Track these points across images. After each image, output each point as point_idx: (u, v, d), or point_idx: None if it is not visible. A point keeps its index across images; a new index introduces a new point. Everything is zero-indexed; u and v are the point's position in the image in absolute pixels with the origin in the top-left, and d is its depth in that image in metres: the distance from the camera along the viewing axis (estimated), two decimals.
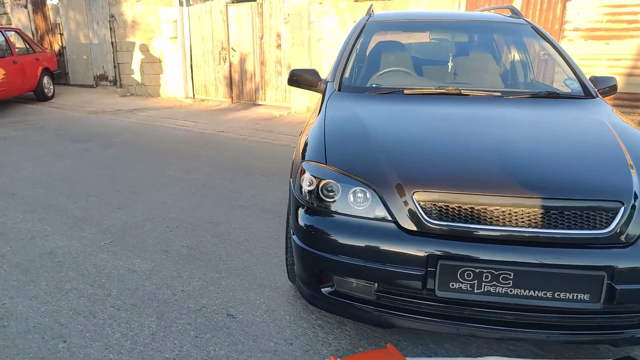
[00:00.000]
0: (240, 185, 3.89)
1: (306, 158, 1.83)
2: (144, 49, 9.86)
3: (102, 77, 10.40)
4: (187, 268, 2.43)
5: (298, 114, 7.66)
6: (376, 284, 1.56)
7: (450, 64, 2.80)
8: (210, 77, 9.45)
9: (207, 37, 9.23)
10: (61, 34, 10.55)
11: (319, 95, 2.66)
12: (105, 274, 2.36)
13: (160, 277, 2.34)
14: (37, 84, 8.62)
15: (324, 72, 7.13)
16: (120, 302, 2.11)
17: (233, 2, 8.69)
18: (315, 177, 1.70)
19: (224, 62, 9.07)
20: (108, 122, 7.00)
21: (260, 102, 8.75)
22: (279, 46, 8.17)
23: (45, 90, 8.91)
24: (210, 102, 9.40)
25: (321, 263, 1.63)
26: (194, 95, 9.83)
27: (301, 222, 1.70)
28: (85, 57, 10.43)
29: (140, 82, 10.10)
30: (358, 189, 1.61)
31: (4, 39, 7.87)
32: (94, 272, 2.38)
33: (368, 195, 1.59)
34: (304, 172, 1.76)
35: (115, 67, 10.19)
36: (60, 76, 9.62)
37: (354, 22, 6.47)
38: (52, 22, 10.62)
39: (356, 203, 1.60)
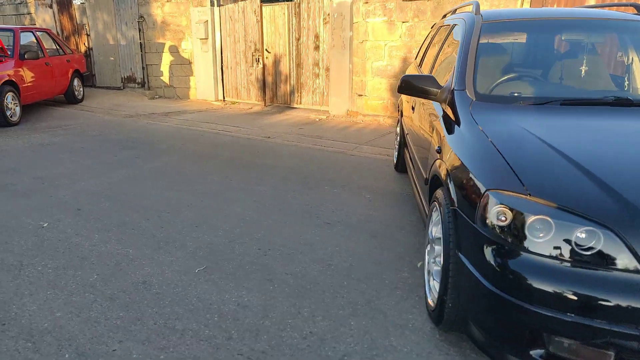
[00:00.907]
0: (314, 199, 3.63)
1: (492, 185, 1.54)
2: (174, 50, 9.63)
3: (130, 79, 10.17)
4: (303, 303, 2.17)
5: (337, 118, 7.39)
6: (613, 353, 1.28)
7: (583, 68, 2.51)
8: (242, 80, 9.20)
9: (240, 38, 8.98)
10: (88, 35, 10.33)
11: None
12: (216, 311, 2.11)
13: (278, 314, 2.08)
14: (67, 87, 8.41)
15: (370, 75, 6.86)
16: (246, 348, 1.86)
17: (267, 2, 8.44)
18: (512, 210, 1.43)
19: (257, 63, 8.81)
20: (147, 127, 6.77)
21: (295, 106, 8.49)
22: (316, 48, 7.90)
23: (76, 93, 8.69)
24: (241, 105, 9.15)
25: (535, 319, 1.35)
26: (224, 97, 9.59)
27: (496, 264, 1.43)
28: (112, 58, 10.21)
29: (169, 84, 9.87)
30: (585, 229, 1.33)
31: (35, 40, 7.66)
32: (201, 307, 2.13)
33: (602, 237, 1.31)
34: (493, 204, 1.48)
35: (143, 68, 9.96)
36: (87, 78, 9.40)
37: (403, 22, 6.20)
38: (78, 23, 10.40)
39: (581, 247, 1.33)
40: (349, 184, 4.01)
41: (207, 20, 9.16)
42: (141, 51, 9.87)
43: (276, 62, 8.59)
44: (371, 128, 6.55)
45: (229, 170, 4.46)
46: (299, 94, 8.41)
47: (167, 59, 9.76)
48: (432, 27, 4.57)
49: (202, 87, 9.61)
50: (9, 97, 6.43)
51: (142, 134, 6.23)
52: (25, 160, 4.73)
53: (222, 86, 9.55)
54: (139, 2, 9.63)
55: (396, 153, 4.30)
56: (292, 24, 8.16)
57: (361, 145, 5.48)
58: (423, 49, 4.25)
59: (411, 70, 4.39)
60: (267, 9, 8.47)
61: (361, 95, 7.09)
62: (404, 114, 4.00)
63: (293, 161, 4.85)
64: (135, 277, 2.38)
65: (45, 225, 3.06)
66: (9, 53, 6.78)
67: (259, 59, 8.78)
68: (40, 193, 3.71)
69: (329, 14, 7.57)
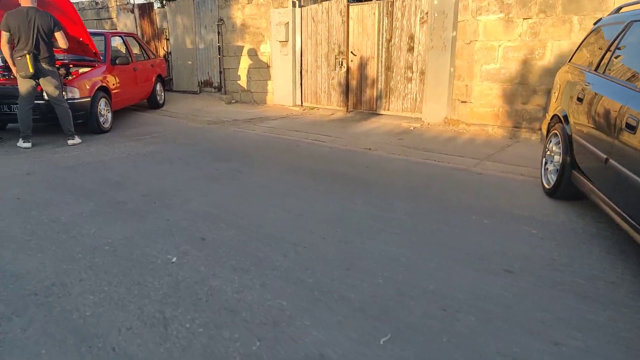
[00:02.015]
0: (465, 232, 3.06)
1: None
2: (252, 53, 9.34)
3: (207, 83, 10.01)
4: None
5: (434, 127, 6.76)
6: None
7: None
8: (322, 84, 8.76)
9: (322, 40, 8.53)
10: (167, 39, 10.28)
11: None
12: None
13: None
14: (151, 92, 8.30)
15: (478, 79, 6.18)
16: None
17: (355, 2, 7.93)
18: None
19: (340, 67, 8.33)
20: (236, 136, 6.45)
21: (381, 112, 7.93)
22: (410, 49, 7.31)
23: (158, 98, 8.59)
24: (321, 110, 8.71)
25: None
26: (301, 103, 9.19)
27: None
28: (190, 62, 10.09)
29: (246, 88, 9.61)
30: None
31: (124, 45, 7.56)
32: None
33: None
34: None
35: (220, 72, 9.76)
36: (166, 82, 9.32)
37: (525, 19, 5.50)
38: (158, 27, 10.38)
39: None
40: (497, 213, 3.41)
41: (287, 22, 8.79)
42: (219, 55, 9.67)
43: (362, 66, 8.07)
44: (481, 139, 5.88)
45: (343, 190, 3.97)
46: (387, 100, 7.85)
47: (245, 62, 9.50)
48: (595, 25, 3.88)
49: (280, 92, 9.27)
50: (102, 103, 6.30)
51: (233, 144, 5.89)
52: (128, 173, 4.46)
53: (301, 91, 9.16)
54: (219, 5, 9.43)
55: (552, 176, 3.62)
56: (382, 24, 7.60)
57: (483, 161, 4.84)
58: (597, 51, 3.52)
59: (576, 78, 3.66)
60: (355, 8, 7.97)
61: (465, 102, 6.43)
62: (574, 121, 3.33)
63: (412, 179, 4.30)
64: (306, 347, 1.92)
65: (174, 260, 2.69)
66: (102, 58, 6.67)
67: (342, 62, 8.30)
68: (154, 215, 3.38)
69: (427, 13, 6.95)
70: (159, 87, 8.60)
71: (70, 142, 5.56)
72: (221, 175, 4.46)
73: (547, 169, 3.73)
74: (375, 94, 7.99)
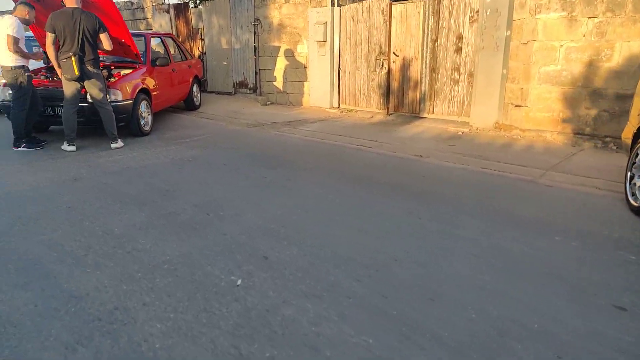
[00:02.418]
0: (555, 256, 2.77)
1: None
2: (289, 54, 9.15)
3: (242, 84, 9.87)
4: None
5: (484, 131, 6.43)
6: None
7: None
8: (361, 86, 8.50)
9: (362, 40, 8.28)
10: (202, 40, 10.19)
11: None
12: None
13: None
14: (188, 93, 8.20)
15: (535, 82, 5.83)
16: None
17: (398, 1, 7.64)
18: None
19: (381, 68, 8.06)
20: (278, 140, 6.26)
21: (424, 115, 7.63)
22: (458, 50, 6.98)
23: (195, 99, 8.48)
24: (359, 113, 8.46)
25: None
26: (339, 104, 8.96)
27: None
28: (225, 63, 9.97)
29: (281, 89, 9.43)
30: None
31: (163, 46, 7.47)
32: None
33: None
34: None
35: (256, 73, 9.60)
36: (201, 83, 9.22)
37: (590, 18, 5.13)
38: (193, 27, 10.29)
39: None
40: (582, 233, 3.10)
41: (326, 22, 8.56)
42: (255, 55, 9.51)
43: (404, 67, 7.78)
44: (540, 147, 5.53)
45: (404, 203, 3.72)
46: (431, 103, 7.54)
47: (281, 63, 9.32)
48: None
49: (316, 94, 9.05)
50: (143, 106, 6.20)
51: (277, 149, 5.70)
52: (174, 180, 4.31)
53: (338, 93, 8.92)
54: (255, 5, 9.27)
55: None
56: (428, 24, 7.30)
57: (549, 172, 4.52)
58: None
59: None
60: (398, 7, 7.68)
61: (519, 105, 6.08)
62: None
63: (475, 191, 4.01)
64: None
65: (239, 283, 2.49)
66: (142, 59, 6.57)
67: (383, 63, 8.02)
68: (210, 229, 3.19)
69: (477, 11, 6.62)
70: (195, 88, 8.49)
71: (113, 145, 5.46)
72: (270, 183, 4.26)
73: (635, 184, 3.39)
74: (418, 96, 7.69)
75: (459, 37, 6.96)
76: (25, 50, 5.15)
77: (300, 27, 8.94)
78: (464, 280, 2.51)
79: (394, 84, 8.02)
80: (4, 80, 7.39)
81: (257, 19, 9.29)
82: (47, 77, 6.00)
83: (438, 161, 5.07)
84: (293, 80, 9.26)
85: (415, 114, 7.81)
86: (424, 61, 7.47)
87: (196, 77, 8.52)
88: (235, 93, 9.97)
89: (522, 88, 6.02)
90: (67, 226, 3.20)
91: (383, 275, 2.56)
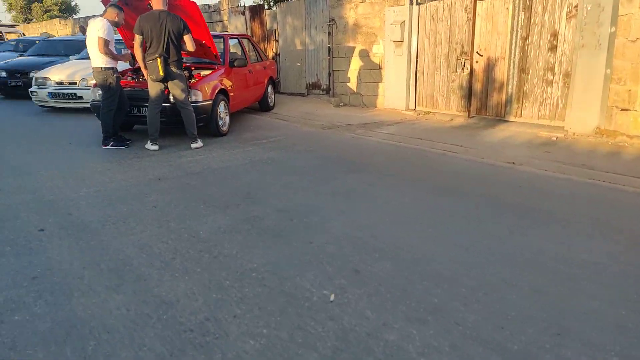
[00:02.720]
0: None
1: None
2: (364, 54, 8.93)
3: (315, 86, 9.79)
4: None
5: (582, 137, 5.82)
6: None
7: None
8: (440, 87, 8.08)
9: (442, 40, 7.87)
10: (276, 41, 10.24)
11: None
12: None
13: None
14: (263, 94, 8.22)
15: None
16: None
17: None
18: None
19: (462, 69, 7.60)
20: (355, 143, 6.05)
21: (510, 119, 7.08)
22: (552, 48, 6.40)
23: (269, 101, 8.49)
24: (437, 115, 8.05)
25: None
26: (415, 106, 8.59)
27: None
28: (299, 64, 9.94)
29: (355, 91, 9.22)
30: None
31: (240, 47, 7.52)
32: None
33: None
34: None
35: (329, 74, 9.47)
36: (275, 84, 9.23)
37: None
38: (268, 29, 10.38)
39: None
40: None
41: (403, 21, 8.24)
42: (329, 56, 9.38)
43: (489, 67, 7.28)
44: None
45: (505, 217, 3.36)
46: (519, 105, 6.98)
47: (355, 64, 9.11)
48: None
49: (391, 95, 8.75)
50: (222, 106, 6.24)
51: (355, 152, 5.49)
52: (255, 182, 4.23)
53: (415, 94, 8.56)
54: (331, 5, 9.14)
55: None
56: (517, 21, 6.76)
57: None
58: None
59: None
60: (484, 4, 7.20)
61: (626, 109, 5.43)
62: None
63: (589, 207, 3.55)
64: None
65: (332, 298, 2.30)
66: (221, 61, 6.64)
67: (465, 63, 7.56)
68: (296, 236, 3.04)
69: (576, 6, 6.02)
70: (270, 89, 8.50)
71: (193, 145, 5.52)
72: (352, 188, 4.06)
73: None
74: (504, 98, 7.16)
75: (554, 35, 6.37)
76: (115, 52, 5.32)
77: (376, 27, 8.69)
78: (594, 313, 2.14)
79: (477, 86, 7.53)
80: (94, 81, 7.85)
81: (332, 20, 9.16)
82: (133, 78, 6.21)
83: (534, 169, 4.61)
84: (367, 81, 9.02)
85: (499, 117, 7.28)
86: (511, 61, 6.94)
87: (271, 78, 8.53)
88: (308, 94, 9.91)
89: (629, 90, 5.37)
90: (154, 227, 3.18)
91: (494, 301, 2.26)
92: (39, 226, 3.17)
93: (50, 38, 14.45)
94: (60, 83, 8.00)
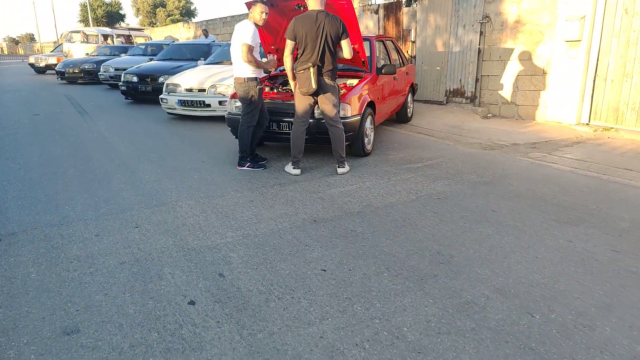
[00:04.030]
0: None
1: None
2: (525, 57, 7.45)
3: (456, 93, 8.49)
4: None
5: None
6: None
7: None
8: (632, 98, 6.37)
9: (638, 39, 6.15)
10: (413, 42, 9.11)
11: None
12: None
13: None
14: (403, 103, 7.16)
15: None
16: None
17: None
18: None
19: None
20: (536, 171, 4.73)
21: None
22: None
23: (408, 111, 7.42)
24: (622, 132, 6.37)
25: None
26: (588, 120, 6.93)
27: None
28: (438, 68, 8.71)
29: (509, 100, 7.77)
30: None
31: (385, 50, 6.54)
32: None
33: None
34: None
35: (477, 80, 8.12)
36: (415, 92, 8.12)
37: None
38: (404, 29, 9.29)
39: None
40: None
41: (584, 16, 6.64)
42: (477, 59, 8.02)
43: None
44: None
45: None
46: None
47: (512, 68, 7.66)
48: None
49: (556, 105, 7.18)
50: (368, 121, 5.30)
51: (548, 187, 4.18)
52: (440, 234, 3.18)
53: (590, 105, 6.91)
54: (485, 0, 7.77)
55: None
56: None
57: None
58: None
59: None
60: None
61: None
62: None
63: None
64: None
65: None
66: (369, 68, 5.70)
67: None
68: (552, 349, 1.92)
69: None
70: (409, 97, 7.42)
71: (340, 170, 4.63)
72: (589, 256, 2.82)
73: None
74: None
75: None
76: (259, 59, 4.61)
77: (543, 24, 7.17)
78: None
79: None
80: (228, 90, 7.39)
81: (485, 17, 7.80)
82: (271, 88, 5.51)
83: None
84: (526, 89, 7.53)
85: None
86: None
87: (411, 85, 7.44)
88: (447, 102, 8.64)
89: None
90: (334, 310, 2.27)
91: None
92: (188, 295, 2.42)
93: (176, 42, 14.81)
94: (190, 90, 7.67)
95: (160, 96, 7.95)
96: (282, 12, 5.30)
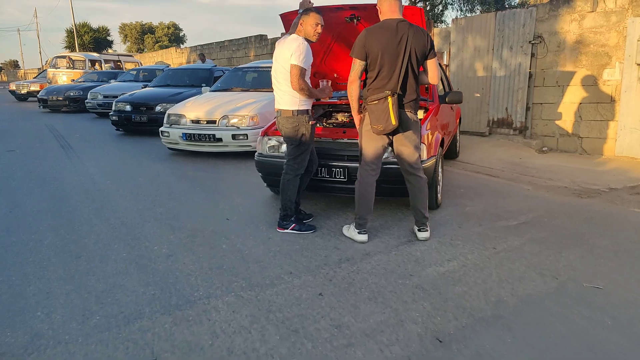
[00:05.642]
0: None
1: None
2: (588, 82, 6.43)
3: (502, 123, 7.42)
4: None
5: None
6: None
7: None
8: None
9: None
10: (447, 66, 8.08)
11: None
12: None
13: None
14: (453, 136, 6.04)
15: None
16: None
17: None
18: None
19: None
20: None
21: None
22: None
23: (457, 145, 6.29)
24: None
25: None
26: None
27: None
28: (478, 95, 7.66)
29: (570, 131, 6.71)
30: None
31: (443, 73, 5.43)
32: None
33: None
34: None
35: (527, 109, 7.07)
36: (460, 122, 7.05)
37: None
38: (437, 52, 8.27)
39: None
40: None
41: None
42: (528, 85, 6.99)
43: None
44: None
45: None
46: None
47: (573, 95, 6.63)
48: None
49: (630, 138, 6.13)
50: (439, 165, 4.12)
51: None
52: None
53: None
54: (537, 17, 6.79)
55: None
56: None
57: None
58: None
59: None
60: None
61: None
62: None
63: None
64: None
65: None
66: (431, 95, 4.57)
67: None
68: None
69: None
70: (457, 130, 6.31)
71: (421, 235, 3.40)
72: None
73: None
74: None
75: None
76: (311, 86, 3.42)
77: (610, 45, 6.18)
78: None
79: None
80: (246, 123, 6.17)
81: (537, 36, 6.80)
82: (318, 123, 4.31)
83: None
84: (591, 118, 6.48)
85: None
86: None
87: (459, 115, 6.35)
88: (489, 134, 7.56)
89: None
90: None
91: None
92: None
93: (173, 67, 13.69)
94: (197, 122, 6.44)
95: (161, 129, 6.71)
96: (326, 26, 4.14)
